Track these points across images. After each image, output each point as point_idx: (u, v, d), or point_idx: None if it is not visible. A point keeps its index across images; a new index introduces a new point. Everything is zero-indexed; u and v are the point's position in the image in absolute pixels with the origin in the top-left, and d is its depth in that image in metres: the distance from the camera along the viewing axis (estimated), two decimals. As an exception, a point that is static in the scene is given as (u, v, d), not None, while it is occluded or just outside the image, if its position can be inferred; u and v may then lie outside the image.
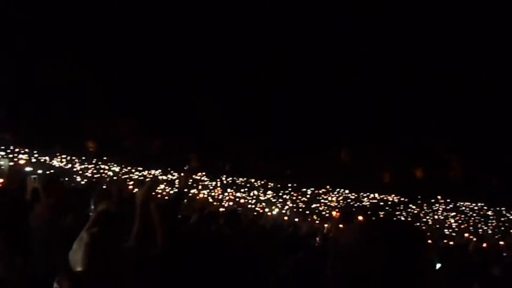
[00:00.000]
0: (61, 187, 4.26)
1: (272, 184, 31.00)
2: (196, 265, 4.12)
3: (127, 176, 26.56)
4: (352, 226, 1.26)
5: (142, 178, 26.07)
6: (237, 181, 30.81)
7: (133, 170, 28.16)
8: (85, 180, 18.85)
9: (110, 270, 1.19)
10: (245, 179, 30.92)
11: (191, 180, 28.92)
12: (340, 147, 29.59)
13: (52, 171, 19.87)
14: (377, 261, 1.11)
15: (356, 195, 32.11)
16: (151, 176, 27.29)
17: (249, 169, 30.55)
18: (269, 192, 30.09)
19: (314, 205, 30.23)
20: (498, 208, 31.49)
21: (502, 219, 30.96)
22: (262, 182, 31.05)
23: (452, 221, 30.48)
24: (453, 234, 25.72)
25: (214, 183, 30.18)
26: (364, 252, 1.12)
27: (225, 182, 30.53)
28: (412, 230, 1.21)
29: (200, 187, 28.67)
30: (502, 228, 29.79)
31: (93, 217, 1.17)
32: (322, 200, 31.31)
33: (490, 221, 30.93)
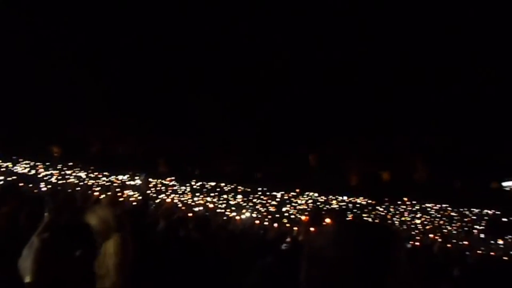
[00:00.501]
0: (16, 195, 4.10)
1: (242, 188, 30.98)
2: (165, 271, 4.03)
3: (94, 181, 25.96)
4: (325, 228, 1.25)
5: (109, 183, 25.54)
6: (207, 186, 30.63)
7: (100, 176, 27.55)
8: (49, 186, 18.23)
9: (62, 278, 1.11)
10: (214, 183, 30.79)
11: (160, 185, 28.61)
12: (309, 150, 29.93)
13: (14, 177, 19.17)
14: (350, 262, 1.09)
15: (325, 198, 32.47)
16: (118, 181, 26.79)
17: (219, 173, 30.50)
18: (239, 196, 30.05)
19: (284, 209, 30.38)
20: (461, 209, 32.52)
21: (465, 219, 31.97)
22: (232, 187, 31.00)
23: (418, 222, 31.23)
24: (420, 235, 26.36)
25: (183, 188, 29.91)
26: (337, 254, 1.10)
27: (194, 187, 30.30)
28: (385, 231, 1.20)
29: (169, 192, 28.36)
30: (466, 229, 30.76)
31: (45, 222, 1.10)
32: (292, 204, 31.51)
33: (454, 221, 31.86)
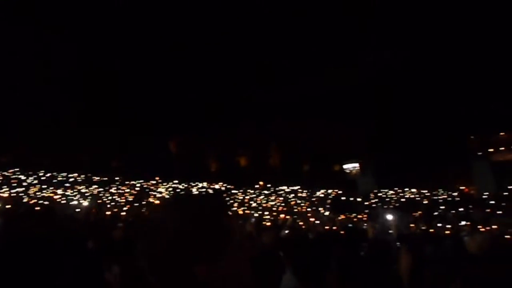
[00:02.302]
0: None
1: (97, 178, 29.34)
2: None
3: None
4: (163, 202, 1.31)
5: None
6: (58, 177, 28.27)
7: None
8: None
9: None
10: (66, 174, 28.56)
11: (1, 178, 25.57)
12: (169, 138, 29.71)
13: None
14: (187, 232, 1.18)
15: (185, 185, 32.58)
16: None
17: (71, 163, 28.41)
18: (94, 186, 28.39)
19: (144, 198, 29.67)
20: (310, 190, 35.65)
21: (313, 199, 35.13)
22: (86, 176, 29.15)
23: (273, 204, 33.28)
24: (273, 215, 28.12)
25: (30, 179, 27.14)
26: (175, 225, 1.18)
27: (43, 178, 27.70)
28: (216, 200, 1.31)
29: (14, 185, 25.49)
30: (314, 208, 33.79)
31: None
32: (152, 192, 30.92)
33: (304, 201, 34.74)
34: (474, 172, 34.28)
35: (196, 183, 32.73)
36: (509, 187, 31.58)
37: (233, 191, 32.73)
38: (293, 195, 34.77)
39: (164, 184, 31.89)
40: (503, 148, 43.37)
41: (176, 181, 32.15)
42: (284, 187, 35.00)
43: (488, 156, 39.43)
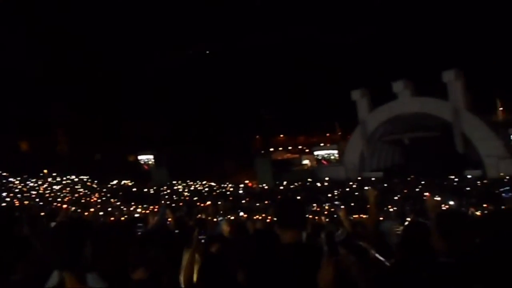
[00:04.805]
0: None
1: None
2: None
3: None
4: None
5: None
6: None
7: None
8: None
9: None
10: None
11: None
12: None
13: None
14: None
15: None
16: None
17: None
18: None
19: None
20: (101, 181, 34.23)
21: (104, 190, 33.83)
22: None
23: (60, 194, 30.86)
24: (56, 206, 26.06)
25: None
26: None
27: None
28: None
29: None
30: (104, 198, 32.56)
31: None
32: None
33: (94, 192, 33.16)
34: (257, 168, 38.16)
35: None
36: (284, 182, 35.95)
37: (9, 179, 29.11)
38: (80, 184, 32.92)
39: None
40: (281, 149, 50.29)
41: None
42: (73, 177, 32.82)
43: (269, 154, 44.86)
